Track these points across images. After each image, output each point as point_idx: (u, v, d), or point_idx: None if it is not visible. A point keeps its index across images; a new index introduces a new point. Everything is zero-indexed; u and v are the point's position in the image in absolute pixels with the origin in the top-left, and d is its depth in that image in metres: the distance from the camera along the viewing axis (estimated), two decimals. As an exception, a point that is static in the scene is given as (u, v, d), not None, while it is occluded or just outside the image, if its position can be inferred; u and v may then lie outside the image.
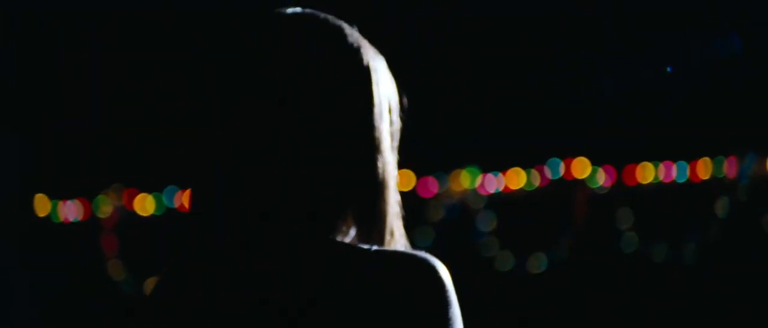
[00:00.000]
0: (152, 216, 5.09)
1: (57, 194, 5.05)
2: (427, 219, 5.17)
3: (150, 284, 4.98)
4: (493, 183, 5.20)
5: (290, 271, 1.59)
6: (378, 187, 1.66)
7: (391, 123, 1.70)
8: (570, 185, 5.21)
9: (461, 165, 5.18)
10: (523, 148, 5.15)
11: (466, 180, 5.18)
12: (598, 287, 5.28)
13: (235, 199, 1.61)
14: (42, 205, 5.02)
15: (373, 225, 1.67)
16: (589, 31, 5.12)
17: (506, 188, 5.19)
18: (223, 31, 1.71)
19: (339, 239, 1.67)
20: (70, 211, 5.09)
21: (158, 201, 5.13)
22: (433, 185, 5.17)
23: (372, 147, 1.65)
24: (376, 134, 1.66)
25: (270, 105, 1.60)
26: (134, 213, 5.11)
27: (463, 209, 5.20)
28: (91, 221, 5.10)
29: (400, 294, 1.57)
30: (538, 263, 5.30)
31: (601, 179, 5.22)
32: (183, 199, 5.06)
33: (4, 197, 4.84)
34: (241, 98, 1.61)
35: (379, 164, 1.65)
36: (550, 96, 5.15)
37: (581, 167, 5.23)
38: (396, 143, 1.72)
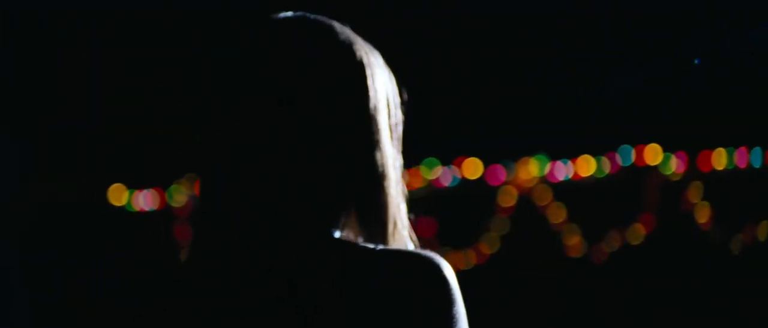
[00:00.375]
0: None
1: (132, 184, 5.15)
2: (495, 207, 5.17)
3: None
4: (563, 171, 5.16)
5: (294, 272, 1.60)
6: (377, 180, 1.67)
7: (390, 116, 1.70)
8: (642, 172, 5.16)
9: (530, 153, 5.15)
10: (593, 136, 5.10)
11: (534, 168, 5.15)
12: (670, 275, 5.21)
13: (239, 199, 1.62)
14: (117, 195, 5.13)
15: (375, 218, 1.67)
16: (666, 14, 5.05)
17: (576, 175, 5.15)
18: (222, 36, 1.73)
19: (344, 234, 1.68)
20: (145, 201, 5.19)
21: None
22: (501, 173, 5.16)
23: (369, 141, 1.66)
24: (373, 128, 1.66)
25: (267, 105, 1.62)
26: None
27: (532, 197, 5.18)
28: (165, 211, 5.19)
29: (404, 293, 1.57)
30: (609, 250, 5.25)
31: (674, 165, 5.15)
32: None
33: (82, 188, 4.97)
34: (240, 100, 1.62)
35: (378, 157, 1.66)
36: (620, 82, 5.09)
37: (653, 154, 5.16)
38: (397, 135, 1.72)
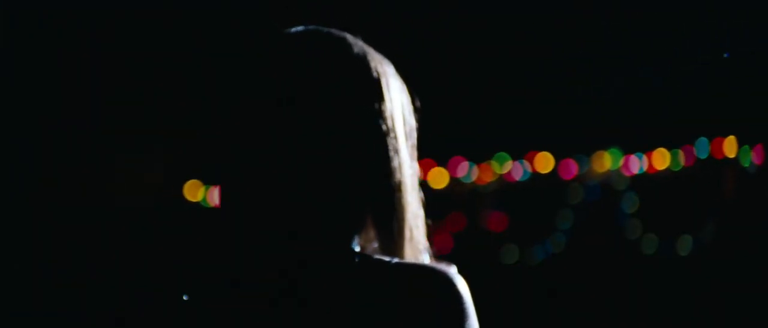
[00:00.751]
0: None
1: (208, 180, 5.22)
2: (567, 201, 5.13)
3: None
4: (637, 164, 5.10)
5: (310, 285, 1.61)
6: (394, 186, 1.68)
7: (405, 123, 1.72)
8: (718, 165, 5.07)
9: (603, 147, 5.10)
10: (668, 129, 5.03)
11: (608, 161, 5.10)
12: (747, 271, 5.12)
13: (259, 208, 1.64)
14: (193, 191, 5.21)
15: (391, 225, 1.68)
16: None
17: (651, 168, 5.09)
18: (240, 54, 1.75)
19: (361, 242, 1.69)
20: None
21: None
22: (573, 167, 5.12)
23: (386, 148, 1.67)
24: (390, 135, 1.68)
25: (288, 116, 1.64)
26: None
27: (606, 191, 5.13)
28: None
29: (417, 307, 1.59)
30: (684, 245, 5.18)
31: (752, 157, 5.06)
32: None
33: (163, 184, 5.07)
34: (264, 112, 1.65)
35: (395, 164, 1.67)
36: (697, 74, 5.01)
37: (730, 146, 5.07)
38: (412, 143, 1.74)
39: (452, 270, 1.63)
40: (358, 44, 1.72)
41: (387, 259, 1.64)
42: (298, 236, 1.63)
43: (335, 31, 1.73)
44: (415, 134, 1.76)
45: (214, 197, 5.21)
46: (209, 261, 1.69)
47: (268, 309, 1.61)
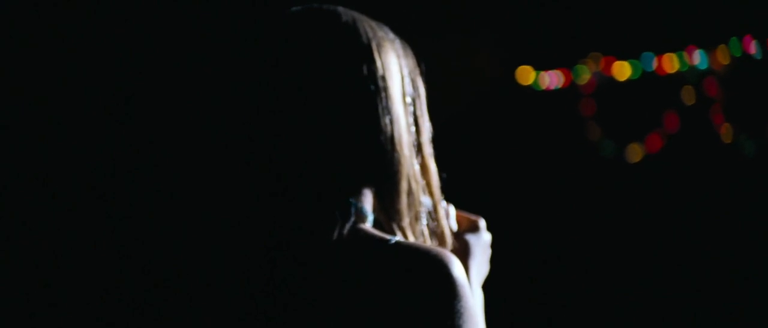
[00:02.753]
0: (628, 81, 5.33)
1: (540, 65, 5.48)
2: None
3: (632, 150, 5.33)
4: None
5: (309, 261, 1.66)
6: (386, 150, 1.72)
7: (405, 88, 1.77)
8: None
9: None
10: None
11: None
12: None
13: (259, 185, 1.70)
14: (525, 75, 5.48)
15: (386, 188, 1.74)
16: None
17: None
18: (235, 33, 1.83)
19: (369, 216, 1.75)
20: (552, 79, 5.48)
21: (635, 67, 5.34)
22: None
23: (376, 111, 1.72)
24: (382, 97, 1.73)
25: (277, 89, 1.71)
26: (612, 78, 5.38)
27: None
28: (570, 88, 5.46)
29: (409, 288, 1.62)
30: None
31: None
32: (660, 63, 5.26)
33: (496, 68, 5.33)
34: (253, 92, 1.72)
35: (385, 127, 1.72)
36: None
37: None
38: (421, 104, 1.81)
39: (446, 253, 1.65)
40: (349, 14, 1.78)
41: (388, 238, 1.69)
42: (287, 202, 1.68)
43: (328, 7, 1.79)
44: (422, 95, 1.82)
45: (544, 80, 5.48)
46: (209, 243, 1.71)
47: (256, 278, 1.67)
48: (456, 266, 1.63)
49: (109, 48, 3.57)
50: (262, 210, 1.67)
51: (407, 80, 1.79)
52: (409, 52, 1.83)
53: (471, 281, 1.89)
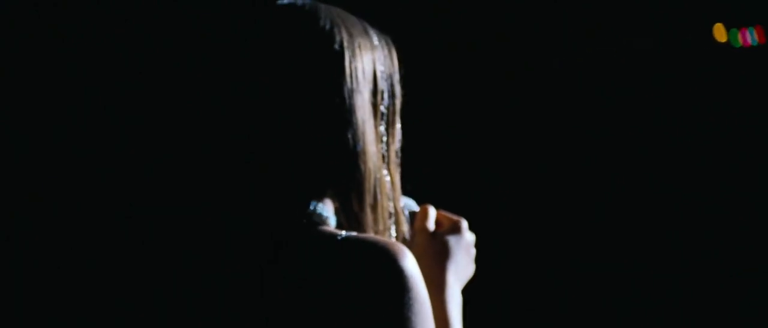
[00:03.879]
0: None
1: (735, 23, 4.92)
2: None
3: None
4: None
5: (262, 260, 1.69)
6: (349, 158, 1.73)
7: (378, 94, 1.77)
8: None
9: None
10: None
11: None
12: None
13: (219, 178, 1.73)
14: (721, 32, 4.93)
15: (349, 196, 1.75)
16: None
17: None
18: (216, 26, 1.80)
19: (331, 220, 1.76)
20: (749, 36, 4.90)
21: None
22: None
23: (342, 121, 1.72)
24: (345, 107, 1.72)
25: (241, 94, 1.72)
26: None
27: None
28: (768, 45, 4.86)
29: (355, 280, 1.62)
30: None
31: None
32: None
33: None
34: (220, 89, 1.74)
35: (351, 137, 1.73)
36: None
37: None
38: (394, 110, 1.81)
39: (397, 245, 1.64)
40: (329, 17, 1.77)
41: (338, 233, 1.69)
42: (250, 207, 1.70)
43: (311, 5, 1.79)
44: (398, 102, 1.82)
45: (746, 37, 4.90)
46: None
47: (211, 277, 1.71)
48: (405, 258, 1.64)
49: (74, 37, 3.71)
50: (219, 209, 1.73)
51: (384, 87, 1.81)
52: (393, 56, 1.85)
53: (446, 282, 1.93)
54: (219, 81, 1.74)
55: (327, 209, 1.76)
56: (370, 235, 1.74)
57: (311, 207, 1.73)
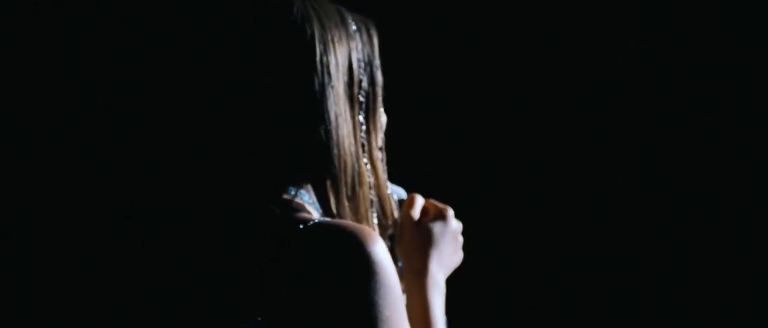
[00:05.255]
0: None
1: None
2: None
3: None
4: None
5: (238, 247, 1.71)
6: (323, 148, 1.74)
7: (354, 85, 1.78)
8: None
9: None
10: None
11: None
12: None
13: (193, 165, 1.78)
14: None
15: (324, 186, 1.76)
16: None
17: None
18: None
19: (306, 199, 1.77)
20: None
21: None
22: None
23: (313, 114, 1.73)
24: (317, 98, 1.73)
25: (215, 81, 1.75)
26: None
27: None
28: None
29: (322, 264, 1.64)
30: None
31: None
32: None
33: None
34: (196, 76, 1.79)
35: (322, 130, 1.74)
36: None
37: None
38: (372, 98, 1.81)
39: (364, 229, 1.64)
40: (301, 9, 1.77)
41: (303, 217, 1.70)
42: (219, 190, 1.74)
43: None
44: (378, 90, 1.83)
45: None
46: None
47: (188, 263, 1.75)
48: (372, 242, 1.64)
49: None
50: (195, 197, 1.77)
51: (362, 77, 1.82)
52: (374, 42, 1.85)
53: (428, 269, 1.96)
54: (198, 76, 1.76)
55: (308, 196, 1.78)
56: (340, 220, 1.72)
57: (291, 193, 1.75)
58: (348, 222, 1.69)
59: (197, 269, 1.72)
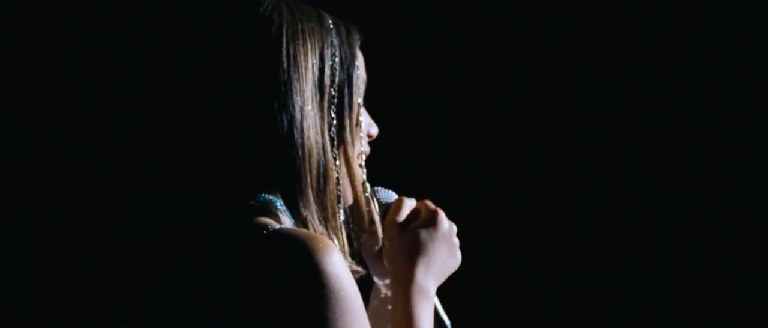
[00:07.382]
0: None
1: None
2: None
3: None
4: None
5: (201, 253, 1.70)
6: (287, 150, 1.72)
7: (325, 83, 1.75)
8: None
9: None
10: None
11: None
12: None
13: (158, 166, 1.77)
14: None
15: (290, 189, 1.73)
16: None
17: None
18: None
19: (277, 204, 1.74)
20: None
21: None
22: None
23: (275, 108, 1.70)
24: (281, 94, 1.71)
25: (177, 77, 1.75)
26: None
27: None
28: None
29: (274, 275, 1.61)
30: None
31: None
32: None
33: None
34: (157, 68, 1.88)
35: (284, 125, 1.72)
36: None
37: None
38: (346, 99, 1.77)
39: (319, 239, 1.61)
40: (272, 2, 1.76)
41: (263, 224, 1.67)
42: (182, 193, 1.73)
43: None
44: (354, 88, 1.79)
45: None
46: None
47: (152, 268, 1.74)
48: (326, 253, 1.60)
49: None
50: (159, 200, 1.75)
51: (335, 73, 1.78)
52: (353, 42, 1.81)
53: (414, 278, 1.90)
54: (177, 72, 1.74)
55: (280, 202, 1.74)
56: (298, 229, 1.69)
57: (260, 199, 1.71)
58: (304, 231, 1.66)
59: (156, 270, 1.71)
